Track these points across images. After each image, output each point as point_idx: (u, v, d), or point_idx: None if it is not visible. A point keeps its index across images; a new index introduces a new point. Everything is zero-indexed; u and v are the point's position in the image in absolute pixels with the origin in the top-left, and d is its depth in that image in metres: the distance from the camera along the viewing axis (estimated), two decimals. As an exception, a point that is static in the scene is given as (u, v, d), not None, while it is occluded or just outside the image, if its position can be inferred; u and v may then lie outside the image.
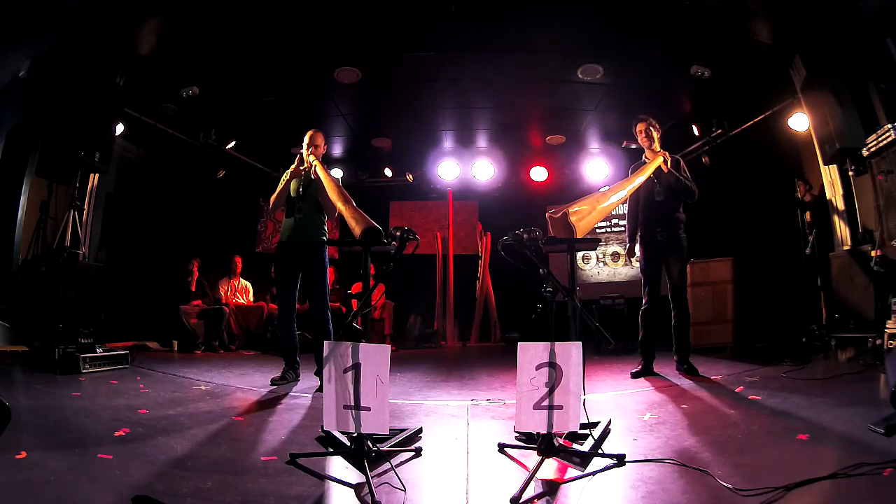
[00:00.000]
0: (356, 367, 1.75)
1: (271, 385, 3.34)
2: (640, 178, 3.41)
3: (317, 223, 3.47)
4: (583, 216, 2.40)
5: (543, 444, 1.76)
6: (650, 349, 3.61)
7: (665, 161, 3.54)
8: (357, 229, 2.31)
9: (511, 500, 1.47)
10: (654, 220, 3.63)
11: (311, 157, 3.35)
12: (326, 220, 3.53)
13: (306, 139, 3.45)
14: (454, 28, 4.55)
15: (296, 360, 3.53)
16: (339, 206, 2.85)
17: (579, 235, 2.34)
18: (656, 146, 3.62)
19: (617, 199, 3.13)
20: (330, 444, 2.01)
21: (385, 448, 1.89)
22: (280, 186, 3.47)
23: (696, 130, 5.88)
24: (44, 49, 4.35)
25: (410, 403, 2.93)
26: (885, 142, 3.77)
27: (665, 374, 3.52)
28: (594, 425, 2.10)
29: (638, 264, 3.86)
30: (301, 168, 3.42)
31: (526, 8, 4.30)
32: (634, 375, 3.54)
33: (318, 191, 3.35)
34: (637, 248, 3.77)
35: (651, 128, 3.63)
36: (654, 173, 3.55)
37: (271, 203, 3.53)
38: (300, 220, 3.43)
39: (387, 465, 1.77)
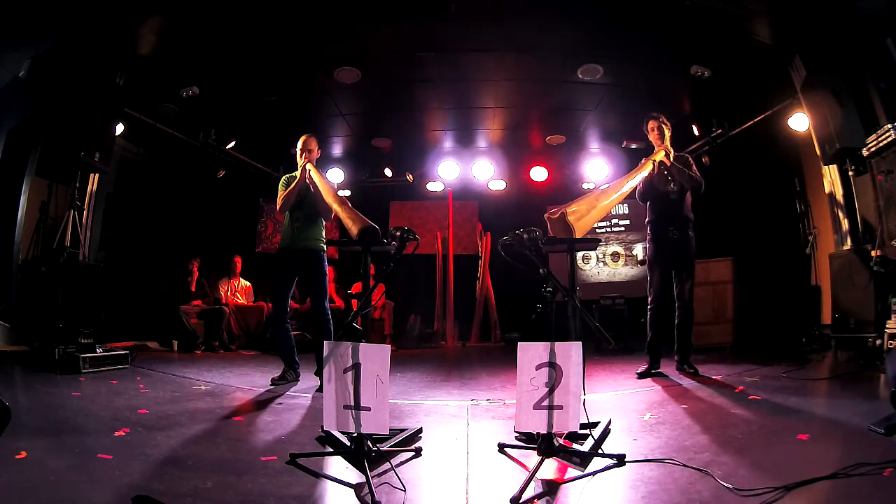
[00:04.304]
0: (356, 367, 1.75)
1: (271, 385, 3.34)
2: (640, 175, 3.41)
3: (315, 230, 3.51)
4: (581, 216, 2.40)
5: (543, 444, 1.76)
6: (658, 350, 3.56)
7: (667, 154, 3.50)
8: (354, 229, 2.32)
9: (511, 500, 1.47)
10: (667, 219, 3.59)
11: (308, 165, 3.38)
12: (325, 224, 3.56)
13: (299, 144, 3.49)
14: (454, 28, 4.55)
15: (295, 360, 3.54)
16: (335, 207, 2.88)
17: (578, 235, 2.33)
18: (667, 144, 3.59)
19: (616, 197, 3.13)
20: (330, 444, 2.01)
21: (385, 448, 1.89)
22: (283, 191, 3.47)
23: (696, 130, 5.87)
24: (44, 49, 4.35)
25: (410, 403, 2.93)
26: (885, 142, 3.76)
27: (666, 373, 3.52)
28: (594, 425, 2.10)
29: (638, 263, 3.84)
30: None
31: (526, 8, 4.30)
32: (641, 375, 3.50)
33: (316, 198, 3.37)
34: (648, 246, 3.72)
35: (663, 125, 3.62)
36: (664, 169, 3.51)
37: (278, 205, 3.52)
38: (299, 227, 3.47)
39: (387, 465, 1.77)
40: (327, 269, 3.53)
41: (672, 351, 3.60)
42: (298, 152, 3.46)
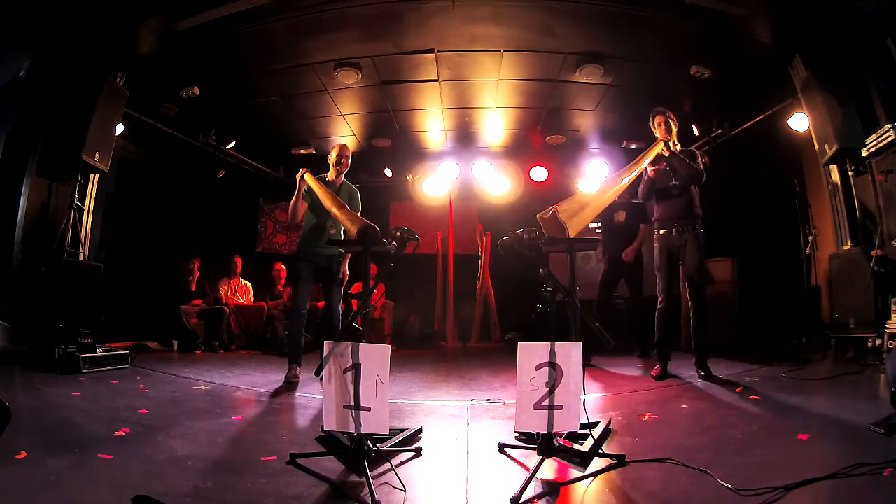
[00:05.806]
0: (356, 367, 1.75)
1: (285, 382, 3.43)
2: (635, 171, 3.38)
3: (338, 235, 3.62)
4: (573, 213, 2.39)
5: (543, 444, 1.76)
6: (668, 350, 3.51)
7: (665, 145, 3.41)
8: (353, 229, 2.32)
9: (511, 501, 1.47)
10: (672, 216, 3.49)
11: (306, 175, 3.46)
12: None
13: (334, 153, 3.67)
14: (454, 27, 4.55)
15: (300, 358, 3.60)
16: (334, 210, 2.91)
17: (572, 233, 2.33)
18: (674, 138, 3.49)
19: (612, 193, 3.11)
20: (330, 445, 2.01)
21: (385, 448, 1.89)
22: (296, 198, 3.56)
23: (696, 130, 5.87)
24: (44, 49, 4.35)
25: (410, 403, 2.93)
26: (885, 142, 3.75)
27: (669, 373, 3.50)
28: (594, 425, 2.10)
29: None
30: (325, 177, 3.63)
31: (526, 8, 4.30)
32: (658, 378, 3.41)
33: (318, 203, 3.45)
34: (655, 246, 3.61)
35: (670, 120, 3.51)
36: (662, 161, 3.44)
37: (289, 212, 3.64)
38: (318, 232, 3.60)
39: (387, 465, 1.76)
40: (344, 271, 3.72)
41: (672, 350, 3.57)
42: (333, 161, 3.66)
